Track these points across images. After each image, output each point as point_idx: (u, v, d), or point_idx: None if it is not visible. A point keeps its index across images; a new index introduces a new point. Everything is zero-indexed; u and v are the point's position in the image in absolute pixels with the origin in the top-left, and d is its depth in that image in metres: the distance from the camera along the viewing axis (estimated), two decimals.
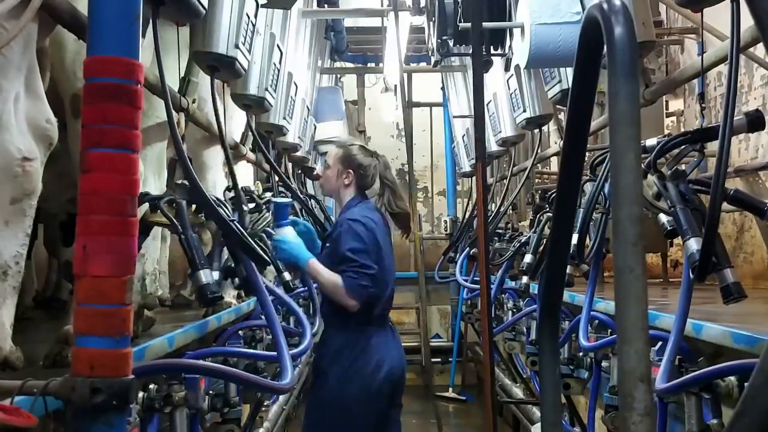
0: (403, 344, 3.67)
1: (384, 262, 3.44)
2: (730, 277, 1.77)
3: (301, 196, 4.96)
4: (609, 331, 2.72)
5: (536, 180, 6.00)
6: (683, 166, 2.04)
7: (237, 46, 2.60)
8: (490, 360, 3.00)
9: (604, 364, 2.79)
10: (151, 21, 1.98)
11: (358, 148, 3.59)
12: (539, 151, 4.69)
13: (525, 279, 3.70)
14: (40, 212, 3.54)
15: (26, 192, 1.46)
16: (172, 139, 2.25)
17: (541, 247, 3.45)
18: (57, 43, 1.99)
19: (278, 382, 2.19)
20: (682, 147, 2.08)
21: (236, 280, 2.40)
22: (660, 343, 2.11)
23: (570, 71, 3.39)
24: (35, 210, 1.52)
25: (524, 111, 4.39)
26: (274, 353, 2.35)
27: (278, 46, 3.48)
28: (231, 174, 2.81)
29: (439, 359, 9.02)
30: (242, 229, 2.26)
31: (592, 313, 2.67)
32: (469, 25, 3.25)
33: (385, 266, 3.44)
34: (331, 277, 3.29)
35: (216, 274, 2.22)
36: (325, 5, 6.45)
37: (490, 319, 3.03)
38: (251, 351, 3.04)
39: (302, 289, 4.02)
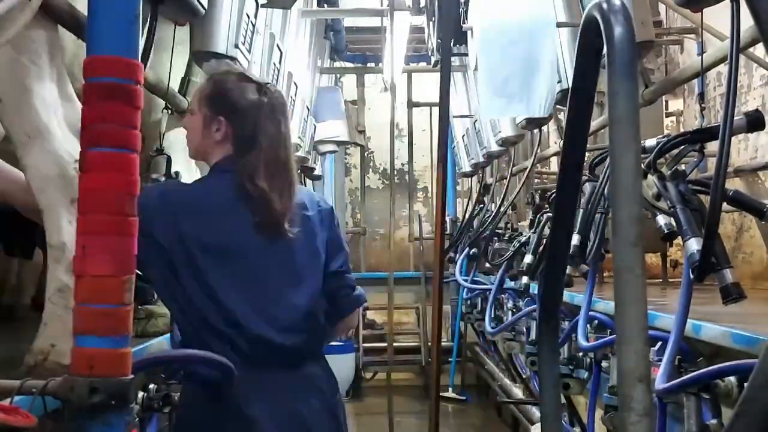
0: (403, 344, 3.34)
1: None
2: (730, 278, 1.77)
3: None
4: (608, 331, 2.72)
5: (536, 180, 6.00)
6: (683, 167, 2.04)
7: (237, 46, 2.61)
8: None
9: (603, 364, 2.79)
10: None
11: (238, 79, 2.12)
12: (539, 151, 4.69)
13: (525, 279, 3.70)
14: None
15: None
16: None
17: (541, 247, 3.45)
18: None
19: None
20: (682, 147, 2.08)
21: None
22: (660, 343, 2.11)
23: (570, 71, 3.40)
24: None
25: None
26: None
27: (278, 46, 3.49)
28: None
29: None
30: None
31: (591, 313, 2.67)
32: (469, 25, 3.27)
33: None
34: None
35: None
36: (325, 5, 6.45)
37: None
38: None
39: None
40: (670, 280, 4.61)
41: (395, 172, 10.07)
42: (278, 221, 2.02)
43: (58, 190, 1.56)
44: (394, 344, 9.06)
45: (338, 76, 8.95)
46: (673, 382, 1.87)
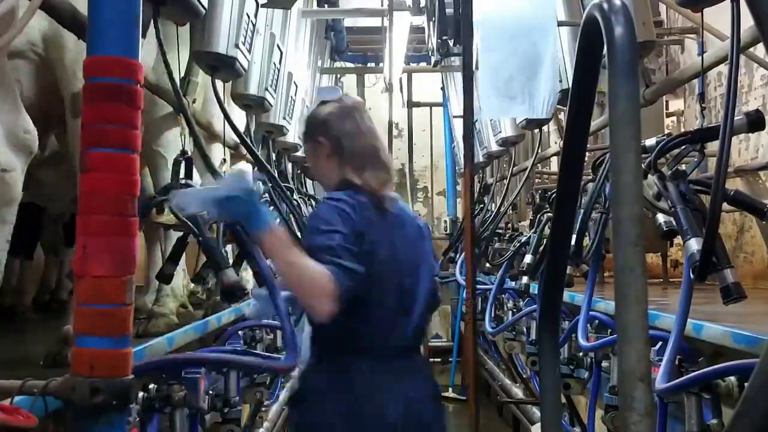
0: None
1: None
2: (730, 278, 1.77)
3: (299, 196, 4.94)
4: (609, 331, 2.72)
5: (536, 180, 6.00)
6: (683, 166, 2.04)
7: (237, 46, 2.61)
8: None
9: (604, 364, 2.79)
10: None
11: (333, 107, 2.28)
12: (539, 151, 4.69)
13: (525, 279, 3.70)
14: (43, 213, 3.55)
15: (6, 201, 1.49)
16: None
17: (541, 247, 3.45)
18: (57, 44, 1.99)
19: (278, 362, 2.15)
20: (683, 147, 2.08)
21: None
22: (660, 343, 2.11)
23: (570, 71, 3.40)
24: (15, 217, 1.54)
25: None
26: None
27: (278, 46, 3.49)
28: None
29: (439, 359, 9.02)
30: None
31: (591, 313, 2.67)
32: None
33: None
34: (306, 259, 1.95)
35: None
36: (325, 5, 6.45)
37: None
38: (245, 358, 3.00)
39: None
40: (671, 279, 4.61)
41: (395, 173, 10.10)
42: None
43: None
44: None
45: (338, 76, 8.94)
46: (673, 381, 1.87)
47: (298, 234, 3.57)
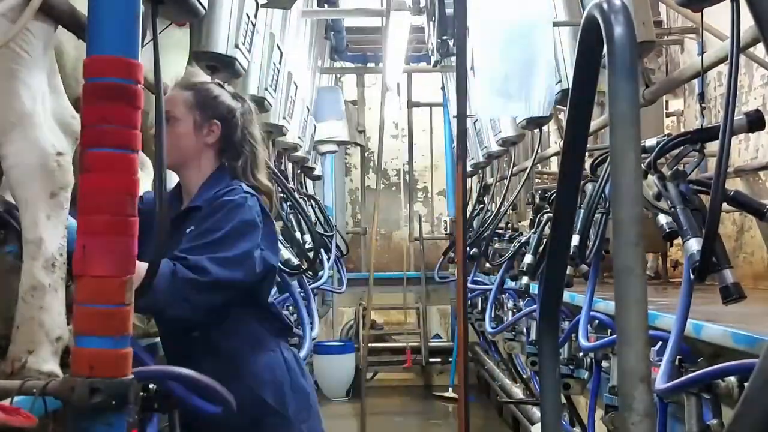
0: (403, 344, 3.36)
1: None
2: (730, 278, 1.77)
3: (298, 196, 4.94)
4: (609, 331, 2.72)
5: (536, 180, 6.00)
6: (683, 167, 2.03)
7: (237, 46, 2.61)
8: None
9: (604, 364, 2.79)
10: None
11: (218, 87, 2.28)
12: (539, 151, 4.68)
13: (525, 279, 3.70)
14: None
15: (62, 185, 1.51)
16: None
17: (541, 247, 3.45)
18: (57, 49, 1.99)
19: None
20: (682, 147, 2.08)
21: None
22: (660, 343, 2.11)
23: (570, 71, 3.40)
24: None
25: None
26: None
27: (278, 46, 3.48)
28: None
29: (438, 359, 9.02)
30: None
31: (591, 313, 2.67)
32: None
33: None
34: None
35: None
36: (325, 5, 6.45)
37: None
38: None
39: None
40: (671, 280, 4.61)
41: (395, 173, 10.10)
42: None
43: (37, 182, 1.47)
44: (395, 344, 9.08)
45: (338, 76, 8.95)
46: (673, 382, 1.87)
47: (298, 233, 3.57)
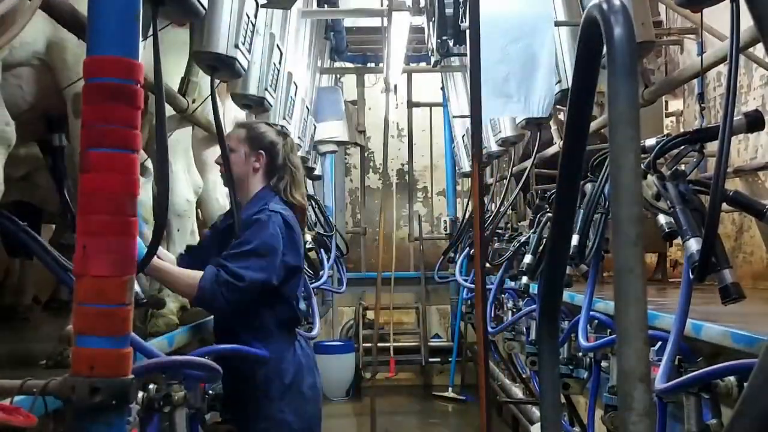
0: (403, 344, 3.47)
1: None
2: (729, 278, 1.77)
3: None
4: (608, 331, 2.72)
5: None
6: (683, 167, 2.04)
7: (237, 46, 2.61)
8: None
9: (603, 364, 2.79)
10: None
11: (266, 126, 2.96)
12: (537, 150, 4.68)
13: (525, 279, 3.70)
14: (44, 213, 3.55)
15: None
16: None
17: (541, 247, 3.45)
18: (59, 45, 1.99)
19: None
20: (682, 147, 2.08)
21: None
22: (660, 343, 2.11)
23: (570, 71, 3.40)
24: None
25: None
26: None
27: (278, 46, 3.48)
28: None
29: (438, 359, 9.02)
30: None
31: (591, 313, 2.67)
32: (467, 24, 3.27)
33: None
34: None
35: None
36: (325, 5, 6.45)
37: None
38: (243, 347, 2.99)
39: None
40: (671, 280, 4.61)
41: (395, 173, 10.09)
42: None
43: None
44: (394, 344, 9.08)
45: (338, 76, 8.94)
46: (673, 381, 1.87)
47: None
